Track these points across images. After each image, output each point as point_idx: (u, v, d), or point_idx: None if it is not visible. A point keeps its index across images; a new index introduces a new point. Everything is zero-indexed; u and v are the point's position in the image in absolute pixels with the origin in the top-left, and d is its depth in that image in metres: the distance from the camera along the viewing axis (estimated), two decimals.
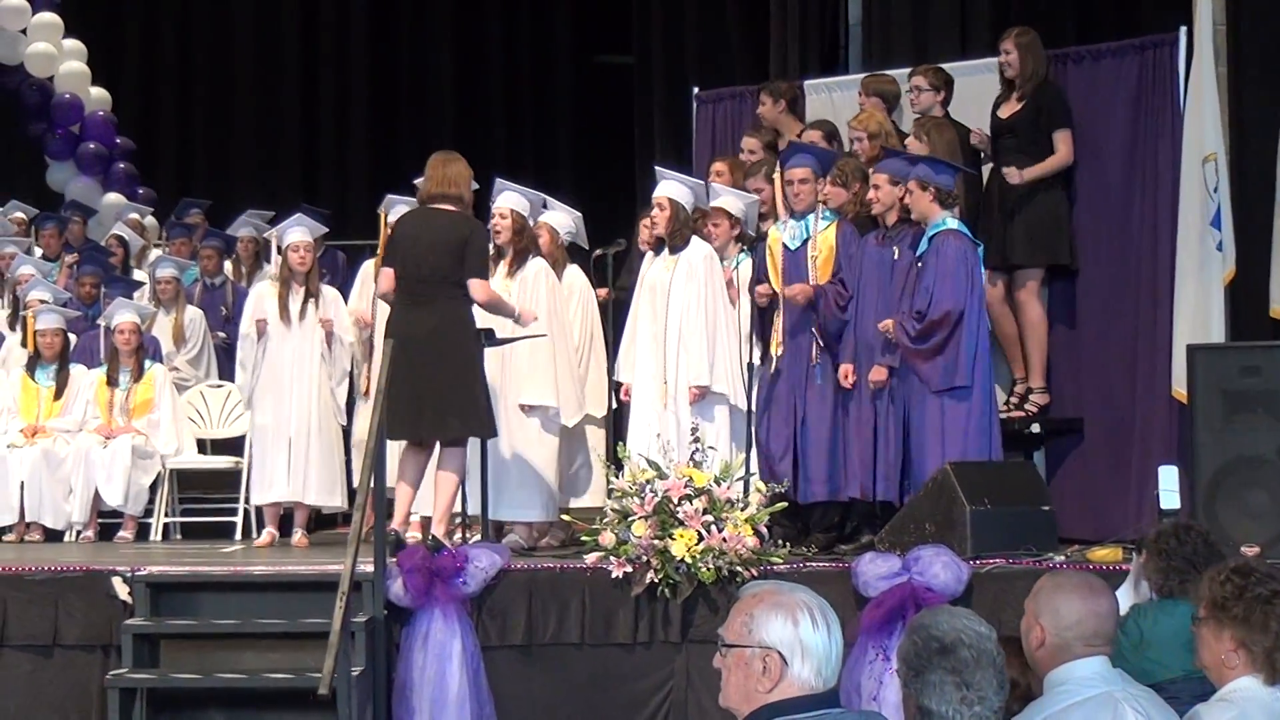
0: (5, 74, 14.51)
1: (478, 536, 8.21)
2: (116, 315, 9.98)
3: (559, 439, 8.63)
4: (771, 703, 3.24)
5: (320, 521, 9.82)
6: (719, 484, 7.36)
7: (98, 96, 14.83)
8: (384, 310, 8.39)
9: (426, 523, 8.23)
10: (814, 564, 7.48)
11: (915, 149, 8.41)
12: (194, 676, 7.18)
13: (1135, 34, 9.23)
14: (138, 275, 11.65)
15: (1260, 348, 7.81)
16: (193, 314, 11.01)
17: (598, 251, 8.83)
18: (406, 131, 15.96)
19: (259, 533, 9.52)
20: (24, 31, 14.35)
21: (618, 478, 7.52)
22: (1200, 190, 8.24)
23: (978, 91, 9.19)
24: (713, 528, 7.24)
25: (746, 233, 8.59)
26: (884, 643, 6.90)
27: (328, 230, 11.46)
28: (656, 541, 7.25)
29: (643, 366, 8.34)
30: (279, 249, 9.77)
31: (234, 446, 10.27)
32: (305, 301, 9.37)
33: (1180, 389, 8.11)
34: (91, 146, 14.61)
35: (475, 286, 7.79)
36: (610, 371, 8.74)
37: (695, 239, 8.35)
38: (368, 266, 9.78)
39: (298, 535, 9.34)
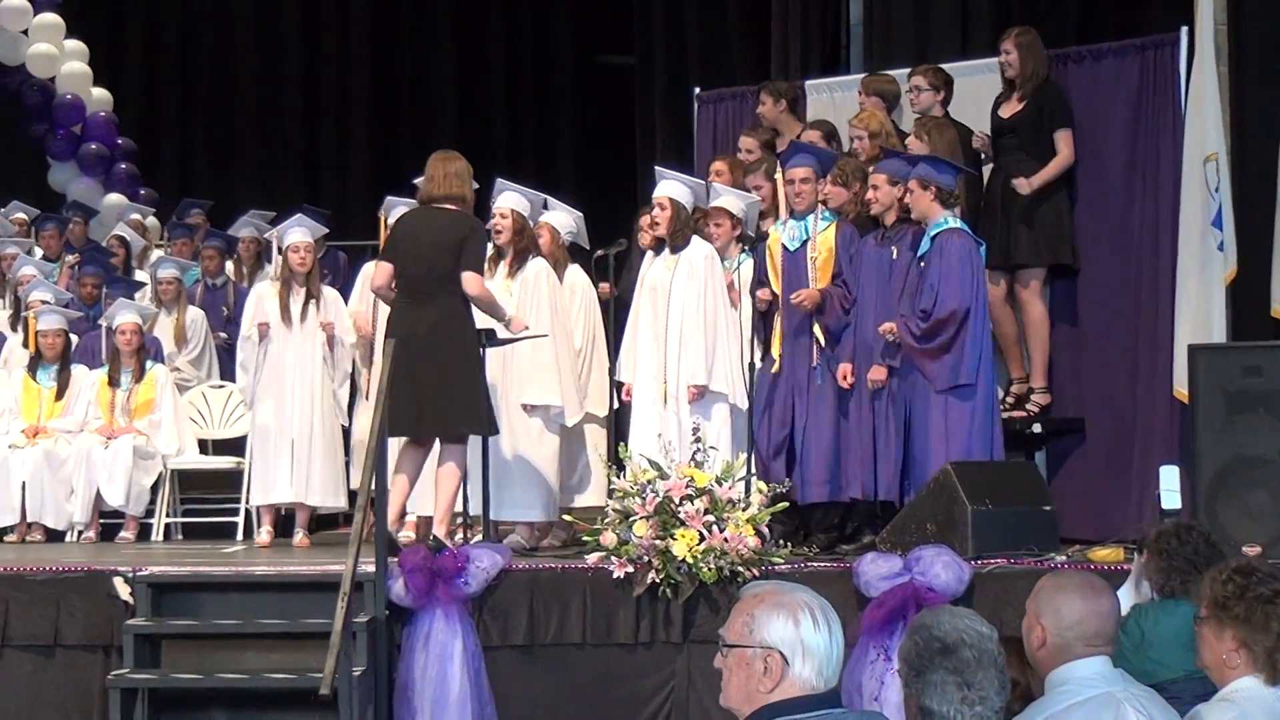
0: (7, 75, 14.51)
1: (479, 536, 8.21)
2: (118, 316, 9.99)
3: (560, 439, 8.63)
4: (773, 703, 3.24)
5: (320, 522, 9.82)
6: (720, 484, 7.37)
7: (99, 97, 14.84)
8: (384, 311, 8.40)
9: (427, 523, 8.24)
10: (815, 564, 7.49)
11: (916, 149, 8.41)
12: (195, 677, 7.18)
13: (1136, 34, 9.23)
14: (139, 276, 11.66)
15: (1261, 348, 7.81)
16: (194, 314, 11.02)
17: (599, 252, 8.83)
18: (408, 132, 15.97)
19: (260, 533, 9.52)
20: (25, 32, 14.36)
21: (619, 478, 7.53)
22: (1201, 190, 8.24)
23: (978, 91, 9.20)
24: (714, 528, 7.24)
25: (747, 233, 8.59)
26: (885, 643, 6.91)
27: (328, 231, 11.47)
28: (658, 541, 7.25)
29: (644, 366, 8.34)
30: (279, 249, 9.77)
31: (235, 447, 10.27)
32: (306, 302, 9.37)
33: (1181, 389, 8.11)
34: (93, 147, 14.62)
35: (469, 279, 7.80)
36: (611, 372, 8.74)
37: (696, 239, 8.35)
38: (369, 267, 9.76)
39: (299, 535, 9.34)
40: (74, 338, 10.28)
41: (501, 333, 8.19)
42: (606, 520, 7.46)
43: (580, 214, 9.33)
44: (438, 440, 7.95)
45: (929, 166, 7.85)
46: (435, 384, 7.75)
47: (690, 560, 7.21)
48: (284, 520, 9.64)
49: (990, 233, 8.60)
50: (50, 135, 14.64)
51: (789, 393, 8.11)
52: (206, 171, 16.22)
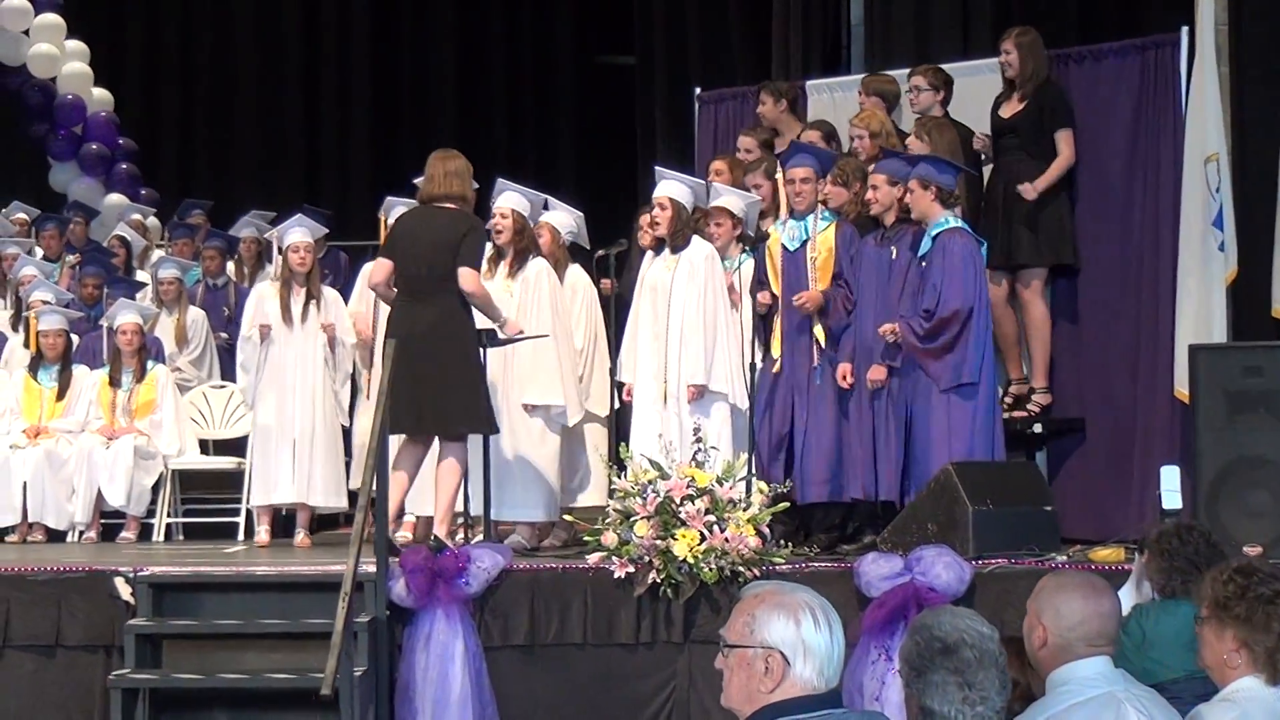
0: (8, 75, 14.51)
1: (480, 537, 8.21)
2: (119, 316, 9.99)
3: (561, 439, 8.63)
4: (774, 703, 3.25)
5: (321, 522, 9.82)
6: (721, 484, 7.37)
7: (100, 97, 14.84)
8: (384, 312, 8.40)
9: (427, 523, 8.24)
10: (816, 564, 7.49)
11: (916, 149, 8.41)
12: (196, 677, 7.19)
13: (1137, 34, 9.23)
14: (140, 276, 11.66)
15: (1262, 348, 7.82)
16: (195, 315, 11.02)
17: (600, 252, 8.84)
18: (408, 132, 15.96)
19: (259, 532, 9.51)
20: (26, 33, 14.36)
21: (620, 478, 7.53)
22: (1202, 190, 8.24)
23: (979, 91, 9.19)
24: (715, 528, 7.24)
25: (747, 233, 8.59)
26: (886, 643, 6.91)
27: (328, 231, 11.47)
28: (659, 542, 7.25)
29: (644, 366, 8.34)
30: (279, 250, 9.77)
31: (236, 447, 10.27)
32: (307, 303, 9.37)
33: (1182, 389, 8.12)
34: (94, 147, 14.62)
35: (464, 275, 7.79)
36: (612, 371, 8.74)
37: (696, 239, 8.35)
38: (369, 267, 9.78)
39: (300, 535, 9.34)
40: (75, 338, 10.28)
41: (502, 333, 8.19)
42: (607, 520, 7.46)
43: (581, 214, 9.33)
44: (437, 438, 7.95)
45: (929, 166, 7.85)
46: (435, 383, 7.75)
47: (691, 560, 7.21)
48: (284, 520, 9.64)
49: (991, 233, 8.59)
50: (51, 135, 14.64)
51: (789, 393, 8.11)
52: (207, 172, 16.23)
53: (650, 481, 7.36)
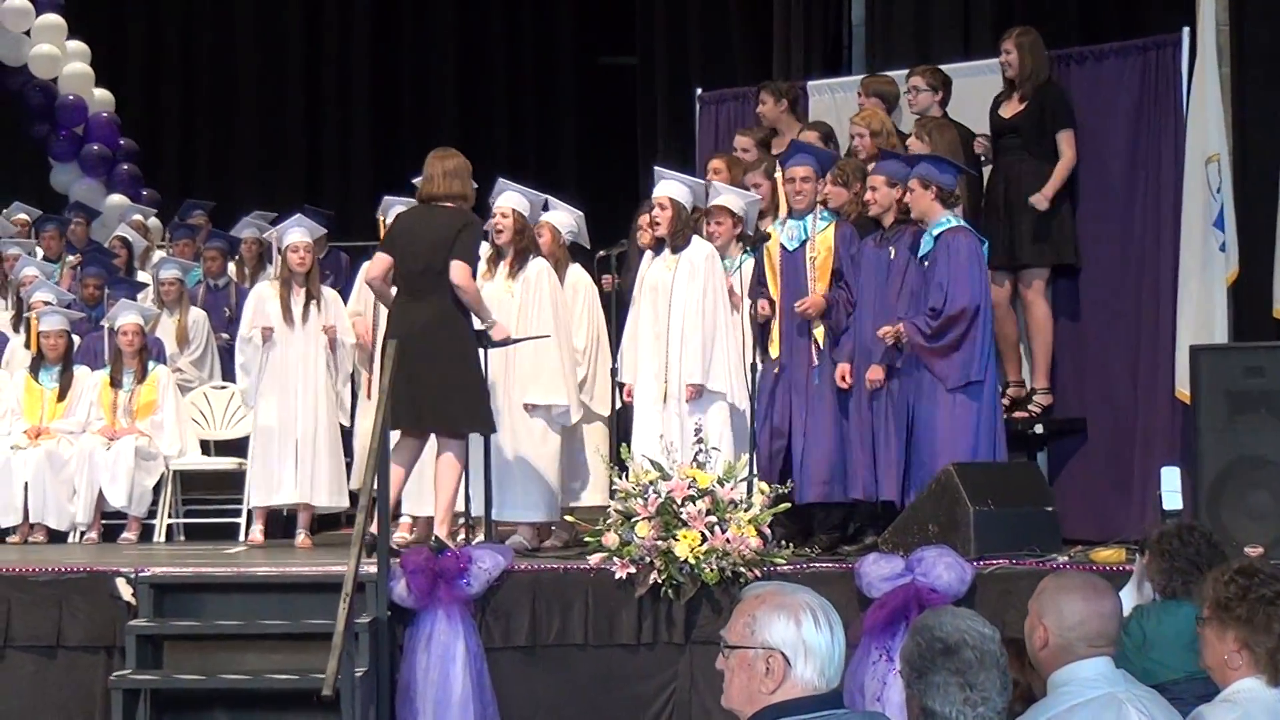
0: (9, 75, 14.52)
1: (481, 537, 8.21)
2: (120, 317, 9.99)
3: (562, 439, 8.63)
4: (775, 703, 3.24)
5: (321, 522, 9.82)
6: (722, 485, 7.37)
7: (101, 98, 14.84)
8: (384, 314, 8.40)
9: (428, 523, 8.24)
10: (817, 565, 7.49)
11: (917, 149, 8.41)
12: (197, 677, 7.19)
13: (1138, 34, 9.23)
14: (141, 277, 11.66)
15: (1263, 348, 7.82)
16: (196, 315, 11.03)
17: (600, 253, 8.84)
18: (409, 132, 15.95)
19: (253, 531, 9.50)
20: (28, 33, 14.36)
21: (621, 478, 7.52)
22: (1203, 191, 8.24)
23: (979, 92, 9.19)
24: (716, 528, 7.24)
25: (747, 232, 8.58)
26: (887, 643, 6.91)
27: (328, 231, 11.47)
28: (660, 542, 7.25)
29: (645, 366, 8.33)
30: (279, 250, 9.77)
31: (237, 448, 10.26)
32: (307, 303, 9.37)
33: (1183, 390, 8.11)
34: (95, 148, 14.62)
35: (455, 267, 7.79)
36: (613, 372, 8.74)
37: (696, 239, 8.34)
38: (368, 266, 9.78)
39: (301, 536, 9.33)
40: (76, 339, 10.28)
41: (489, 335, 8.18)
42: (608, 521, 7.47)
43: (581, 213, 9.33)
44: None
45: (930, 166, 7.85)
46: (433, 382, 7.75)
47: (692, 561, 7.22)
48: (284, 521, 9.64)
49: (993, 233, 8.59)
50: (52, 136, 14.64)
51: (789, 393, 8.11)
52: (208, 172, 16.23)
53: (651, 482, 7.36)
